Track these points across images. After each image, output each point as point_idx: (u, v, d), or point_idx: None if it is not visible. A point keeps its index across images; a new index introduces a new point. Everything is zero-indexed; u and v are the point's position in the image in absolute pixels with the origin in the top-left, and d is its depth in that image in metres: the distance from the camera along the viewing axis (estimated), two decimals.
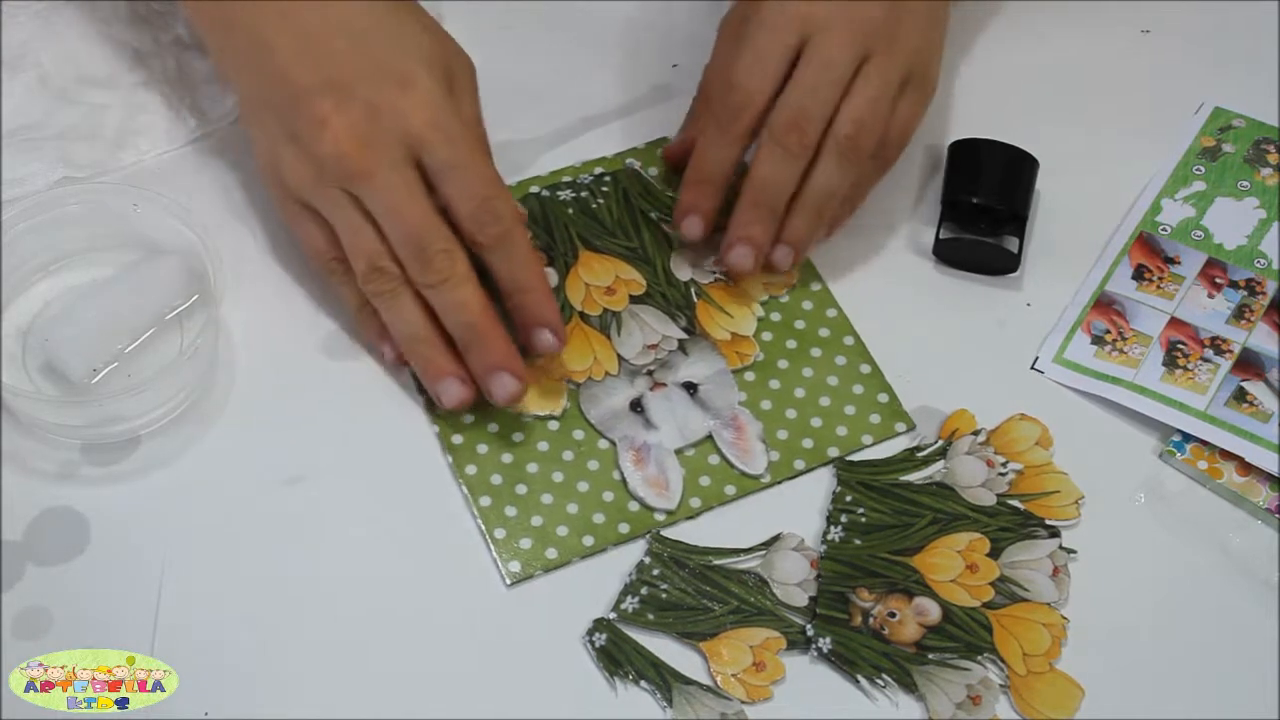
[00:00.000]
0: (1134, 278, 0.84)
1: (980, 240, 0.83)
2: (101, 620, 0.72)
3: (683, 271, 0.83)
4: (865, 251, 0.85)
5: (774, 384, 0.80)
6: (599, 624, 0.73)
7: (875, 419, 0.79)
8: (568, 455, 0.77)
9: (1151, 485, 0.78)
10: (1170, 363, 0.81)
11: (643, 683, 0.72)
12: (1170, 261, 0.85)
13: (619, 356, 0.80)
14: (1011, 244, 0.84)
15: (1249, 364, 0.81)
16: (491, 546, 0.74)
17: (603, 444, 0.77)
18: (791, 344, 0.81)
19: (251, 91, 0.78)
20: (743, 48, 0.80)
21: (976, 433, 0.79)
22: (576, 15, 0.92)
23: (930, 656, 0.73)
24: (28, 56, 0.86)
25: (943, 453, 0.78)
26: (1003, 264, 0.84)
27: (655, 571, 0.74)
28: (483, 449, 0.77)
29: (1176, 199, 0.87)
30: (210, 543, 0.74)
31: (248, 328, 0.80)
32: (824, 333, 0.82)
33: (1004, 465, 0.78)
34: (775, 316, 0.82)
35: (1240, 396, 0.79)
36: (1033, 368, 0.82)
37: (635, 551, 0.75)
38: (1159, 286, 0.84)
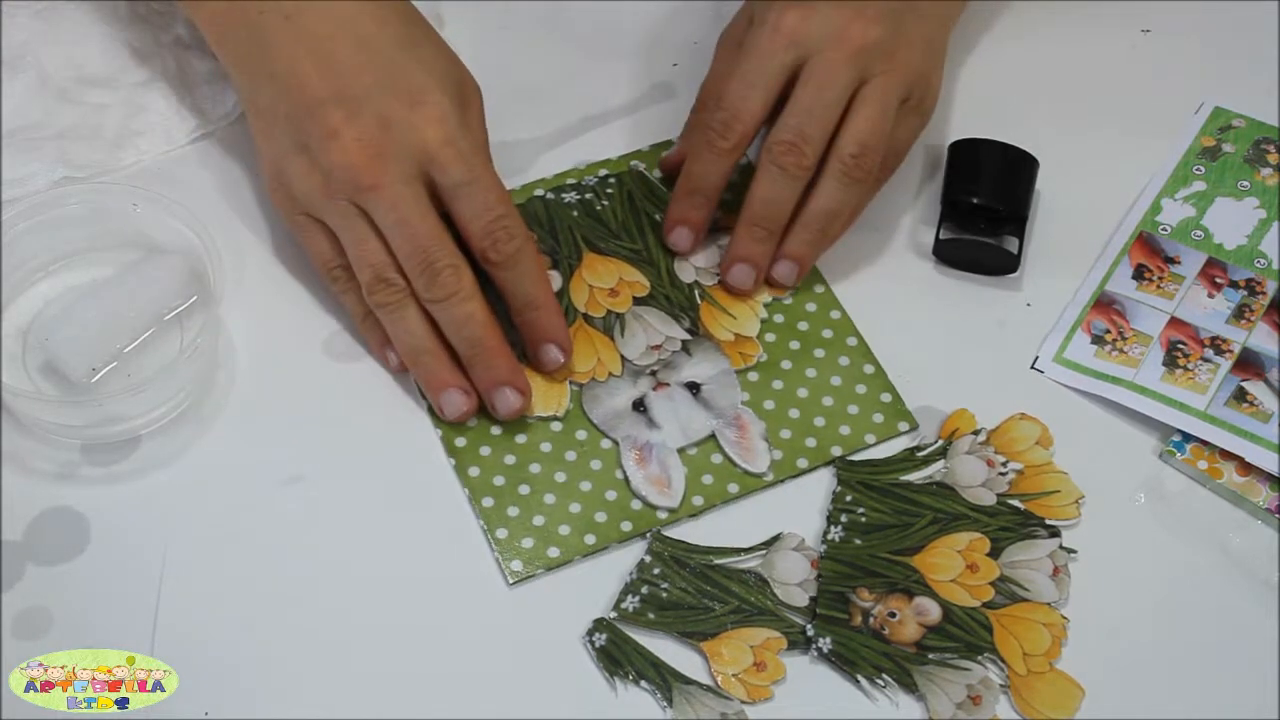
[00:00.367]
0: (1134, 277, 0.84)
1: (980, 240, 0.83)
2: (101, 620, 0.72)
3: (686, 273, 0.83)
4: (865, 252, 0.85)
5: (777, 384, 0.80)
6: (599, 624, 0.73)
7: (878, 418, 0.79)
8: (570, 455, 0.77)
9: (1151, 485, 0.78)
10: (1170, 362, 0.81)
11: (643, 683, 0.72)
12: (1170, 261, 0.85)
13: (622, 357, 0.80)
14: (1011, 244, 0.84)
15: (1249, 364, 0.81)
16: (493, 546, 0.74)
17: (605, 444, 0.78)
18: (795, 345, 0.81)
19: (260, 101, 0.78)
20: (738, 65, 0.81)
21: (977, 432, 0.79)
22: (576, 15, 0.92)
23: (930, 656, 0.73)
24: (28, 56, 0.86)
25: (943, 452, 0.78)
26: (1003, 264, 0.84)
27: (656, 571, 0.74)
28: (485, 451, 0.77)
29: (1176, 199, 0.87)
30: (210, 543, 0.74)
31: (248, 328, 0.80)
32: (827, 334, 0.82)
33: (1004, 465, 0.78)
34: (779, 318, 0.82)
35: (1240, 396, 0.79)
36: (1033, 367, 0.82)
37: (636, 551, 0.75)
38: (1159, 286, 0.84)
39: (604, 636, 0.72)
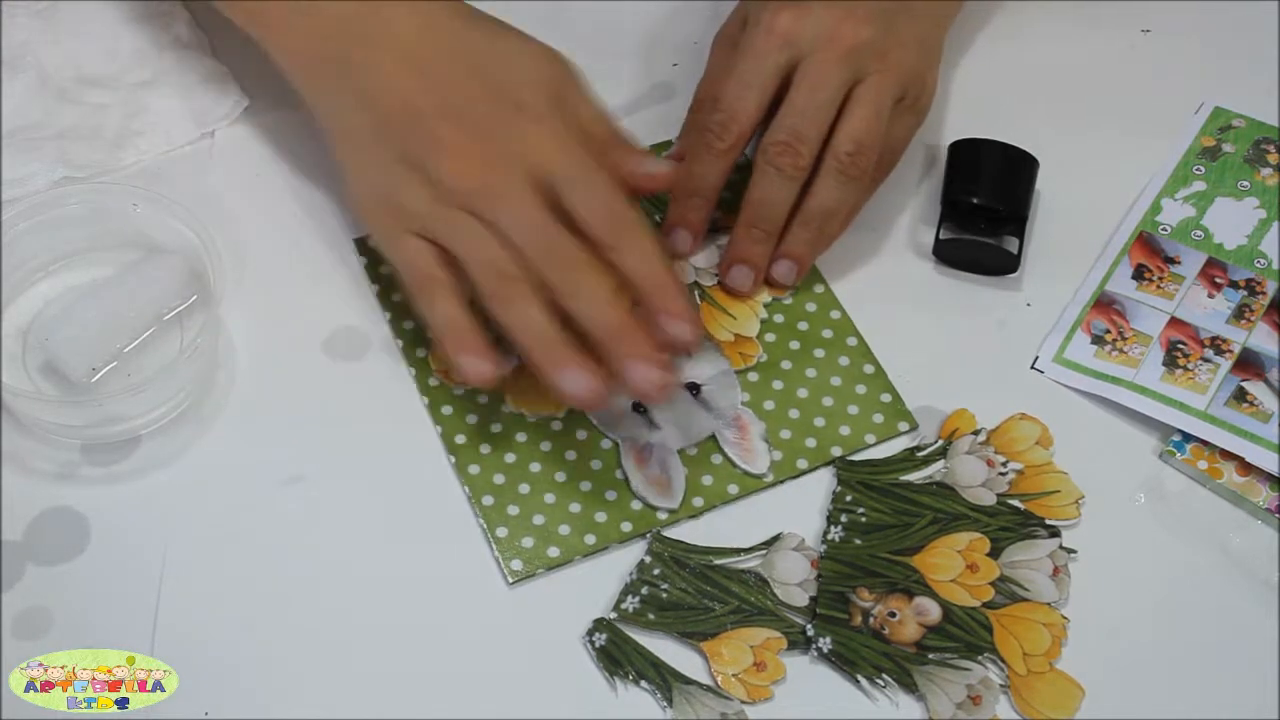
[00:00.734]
0: (1134, 277, 0.84)
1: (980, 240, 0.83)
2: (101, 620, 0.72)
3: (686, 274, 0.83)
4: (865, 252, 0.85)
5: (777, 384, 0.80)
6: (599, 624, 0.73)
7: (878, 419, 0.79)
8: (570, 455, 0.77)
9: (1151, 485, 0.78)
10: (1170, 362, 0.81)
11: (643, 683, 0.72)
12: (1170, 261, 0.85)
13: None
14: (1011, 244, 0.84)
15: (1249, 364, 0.81)
16: (493, 545, 0.74)
17: (605, 444, 0.78)
18: (795, 345, 0.81)
19: (349, 122, 0.77)
20: (733, 66, 0.81)
21: (976, 432, 0.79)
22: (576, 15, 0.92)
23: (930, 656, 0.73)
24: (28, 56, 0.86)
25: (943, 452, 0.78)
26: (1003, 264, 0.84)
27: (656, 571, 0.74)
28: (485, 449, 0.77)
29: (1176, 199, 0.87)
30: (210, 543, 0.74)
31: (248, 328, 0.80)
32: (827, 334, 0.82)
33: (1004, 465, 0.78)
34: (779, 318, 0.82)
35: (1240, 396, 0.79)
36: (1033, 367, 0.82)
37: (636, 551, 0.75)
38: (1159, 286, 0.84)
39: (604, 636, 0.72)
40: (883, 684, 0.72)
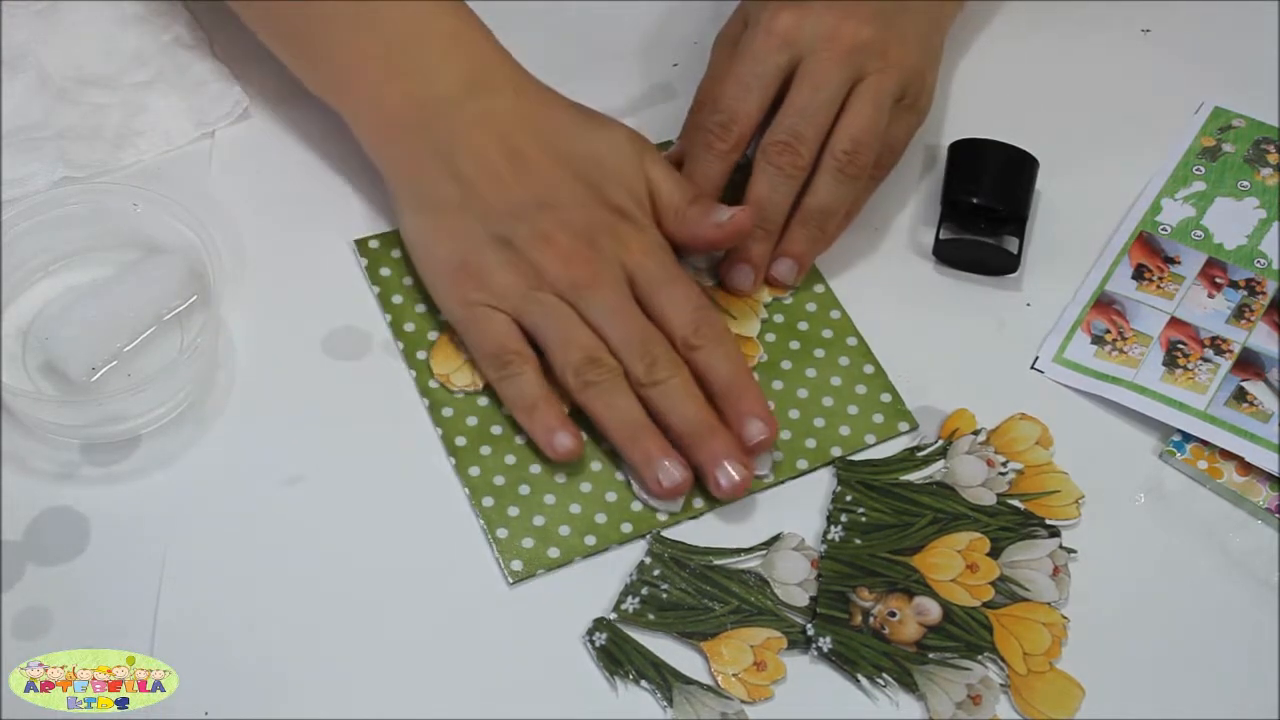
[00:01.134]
0: (1134, 277, 0.84)
1: (980, 240, 0.84)
2: (101, 620, 0.71)
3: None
4: (865, 252, 0.85)
5: (777, 385, 0.80)
6: (599, 624, 0.73)
7: (879, 419, 0.79)
8: None
9: (1151, 485, 0.78)
10: (1170, 362, 0.81)
11: (643, 682, 0.72)
12: (1170, 261, 0.85)
13: None
14: (1011, 244, 0.84)
15: (1249, 364, 0.81)
16: (494, 545, 0.74)
17: (605, 445, 0.77)
18: (795, 345, 0.81)
19: (443, 195, 0.79)
20: (733, 67, 0.82)
21: (977, 432, 0.79)
22: (576, 15, 0.92)
23: (930, 656, 0.73)
24: (28, 56, 0.86)
25: (943, 452, 0.78)
26: (1003, 264, 0.84)
27: (656, 572, 0.74)
28: (486, 451, 0.77)
29: (1176, 199, 0.87)
30: (210, 543, 0.74)
31: (248, 328, 0.80)
32: (827, 334, 0.82)
33: (1004, 465, 0.78)
34: (779, 318, 0.82)
35: (1240, 396, 0.79)
36: (1033, 368, 0.82)
37: (636, 552, 0.75)
38: (1159, 286, 0.84)
39: (604, 636, 0.72)
40: (883, 684, 0.72)
